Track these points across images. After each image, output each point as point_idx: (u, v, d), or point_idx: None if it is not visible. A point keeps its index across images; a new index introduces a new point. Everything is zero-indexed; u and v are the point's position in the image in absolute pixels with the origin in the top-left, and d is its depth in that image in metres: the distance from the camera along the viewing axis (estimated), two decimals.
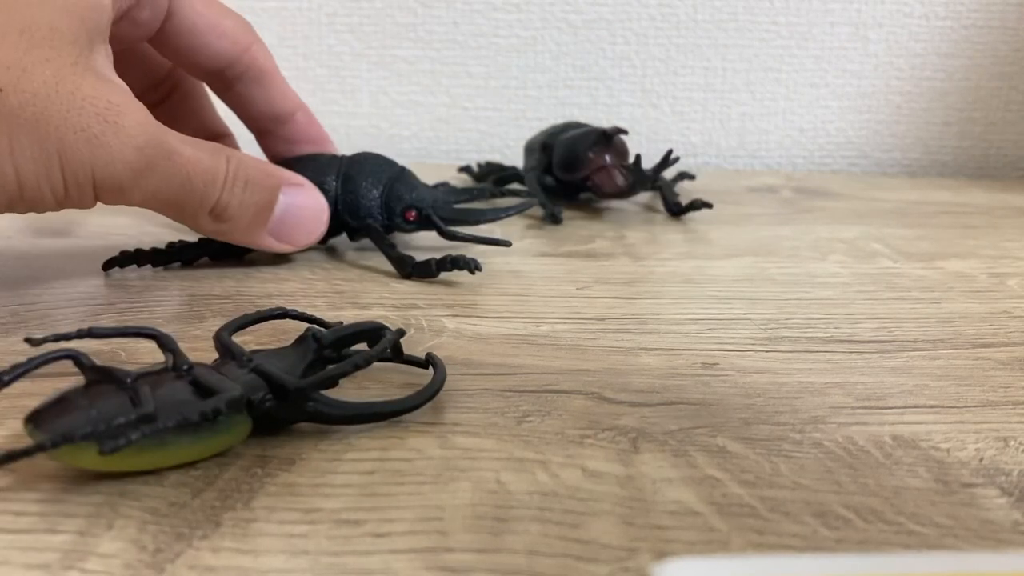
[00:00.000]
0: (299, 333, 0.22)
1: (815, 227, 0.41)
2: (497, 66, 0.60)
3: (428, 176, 0.48)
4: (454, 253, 0.31)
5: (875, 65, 0.60)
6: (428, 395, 0.20)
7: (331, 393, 0.20)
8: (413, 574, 0.15)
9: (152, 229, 0.37)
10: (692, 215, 0.42)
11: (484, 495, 0.17)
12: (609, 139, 0.42)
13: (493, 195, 0.37)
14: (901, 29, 0.59)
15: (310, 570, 0.15)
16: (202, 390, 0.18)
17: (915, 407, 0.21)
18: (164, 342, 0.20)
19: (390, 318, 0.27)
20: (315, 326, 0.22)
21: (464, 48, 0.60)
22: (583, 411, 0.21)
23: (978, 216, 0.45)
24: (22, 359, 0.18)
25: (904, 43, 0.60)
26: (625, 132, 0.42)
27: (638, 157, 0.40)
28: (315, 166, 0.33)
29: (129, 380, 0.18)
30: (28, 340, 0.19)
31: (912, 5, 0.59)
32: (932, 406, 0.22)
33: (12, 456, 0.16)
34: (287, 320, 0.24)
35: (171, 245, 0.32)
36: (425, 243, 0.36)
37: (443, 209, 0.33)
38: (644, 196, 0.47)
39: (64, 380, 0.20)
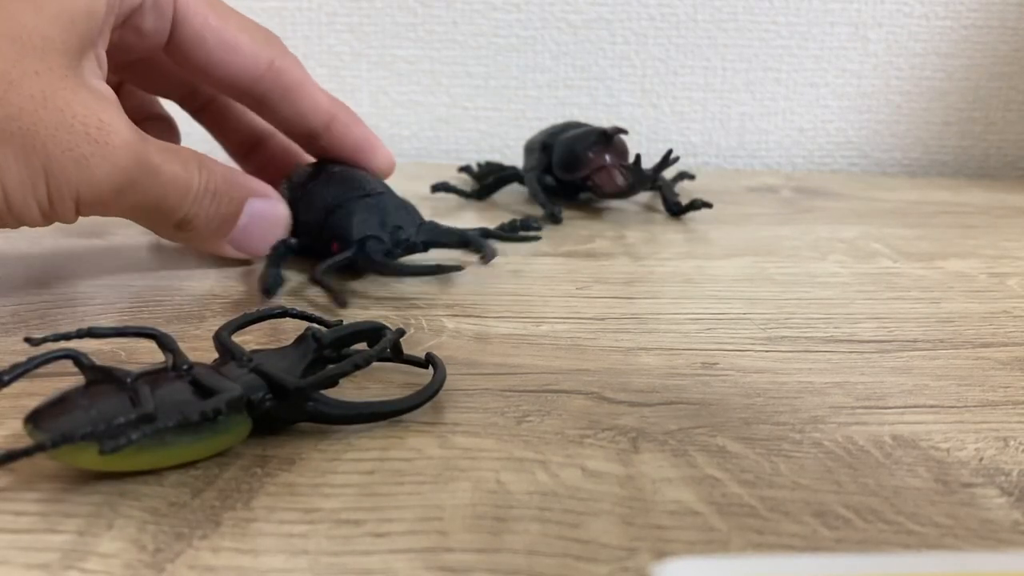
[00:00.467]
0: (299, 333, 0.22)
1: (815, 227, 0.41)
2: (497, 66, 0.60)
3: (428, 176, 0.48)
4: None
5: (875, 65, 0.60)
6: (428, 395, 0.20)
7: (331, 393, 0.20)
8: (413, 574, 0.15)
9: None
10: (692, 215, 0.42)
11: (484, 495, 0.17)
12: (609, 139, 0.42)
13: (466, 243, 0.32)
14: (901, 29, 0.59)
15: (310, 570, 0.15)
16: (202, 390, 0.18)
17: (915, 407, 0.21)
18: (164, 342, 0.20)
19: (390, 318, 0.27)
20: (315, 325, 0.22)
21: (464, 48, 0.60)
22: (583, 411, 0.21)
23: (978, 216, 0.45)
24: (22, 359, 0.18)
25: (904, 43, 0.60)
26: (625, 132, 0.42)
27: (638, 157, 0.40)
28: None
29: (129, 380, 0.18)
30: (28, 340, 0.19)
31: (912, 5, 0.59)
32: (932, 406, 0.22)
33: (12, 456, 0.16)
34: (287, 319, 0.24)
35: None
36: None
37: (375, 252, 0.30)
38: (644, 196, 0.47)
39: (64, 380, 0.20)
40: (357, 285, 0.30)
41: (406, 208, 0.32)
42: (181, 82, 0.34)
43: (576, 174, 0.42)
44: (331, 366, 0.20)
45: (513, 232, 0.35)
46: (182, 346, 0.20)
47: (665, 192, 0.43)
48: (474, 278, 0.31)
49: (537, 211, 0.43)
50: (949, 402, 0.22)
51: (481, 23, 0.59)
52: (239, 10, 0.32)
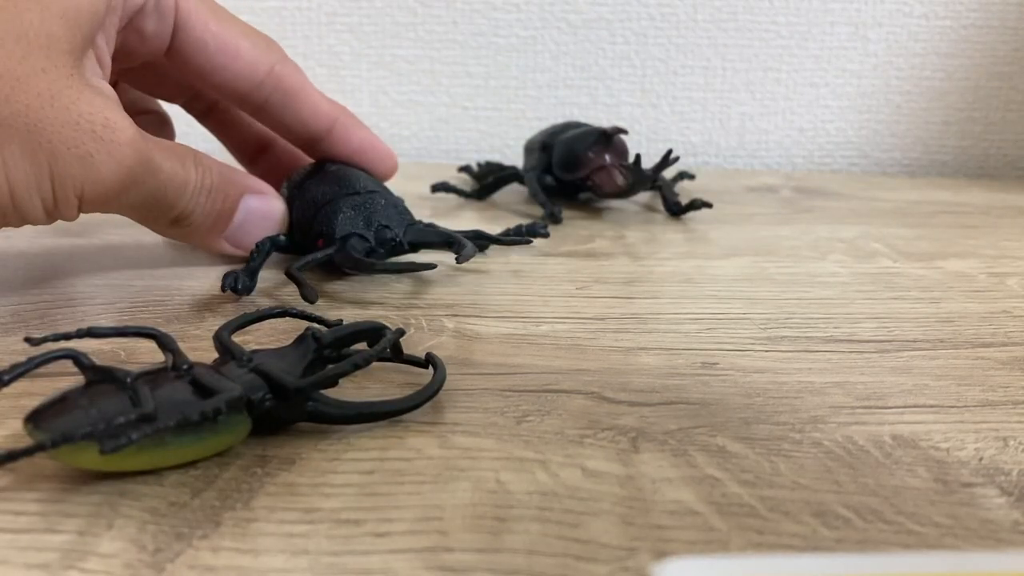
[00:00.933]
0: (299, 333, 0.22)
1: (815, 227, 0.41)
2: (497, 66, 0.60)
3: (428, 176, 0.48)
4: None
5: (875, 65, 0.60)
6: (428, 395, 0.20)
7: (331, 393, 0.20)
8: (413, 574, 0.15)
9: None
10: (692, 215, 0.42)
11: (484, 495, 0.17)
12: (609, 139, 0.42)
13: (450, 243, 0.31)
14: (901, 29, 0.59)
15: (310, 570, 0.15)
16: (202, 390, 0.18)
17: (915, 407, 0.21)
18: (164, 342, 0.20)
19: (390, 318, 0.27)
20: (315, 325, 0.22)
21: (464, 48, 0.60)
22: (583, 411, 0.21)
23: (978, 216, 0.45)
24: (22, 359, 0.18)
25: (904, 43, 0.60)
26: (625, 132, 0.42)
27: (638, 157, 0.40)
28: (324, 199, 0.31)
29: (129, 380, 0.18)
30: (28, 339, 0.19)
31: (912, 5, 0.59)
32: (932, 406, 0.22)
33: (12, 456, 0.16)
34: (287, 319, 0.24)
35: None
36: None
37: (353, 249, 0.30)
38: (644, 196, 0.47)
39: (64, 380, 0.20)
40: (357, 285, 0.30)
41: (396, 207, 0.32)
42: (184, 87, 0.34)
43: (576, 174, 0.42)
44: (331, 366, 0.20)
45: (519, 235, 0.35)
46: (182, 346, 0.20)
47: (665, 192, 0.43)
48: (474, 278, 0.31)
49: (537, 211, 0.43)
50: (949, 402, 0.22)
51: (481, 23, 0.59)
52: (240, 10, 0.32)
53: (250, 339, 0.24)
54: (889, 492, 0.18)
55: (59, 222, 0.25)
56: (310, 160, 0.35)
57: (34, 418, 0.17)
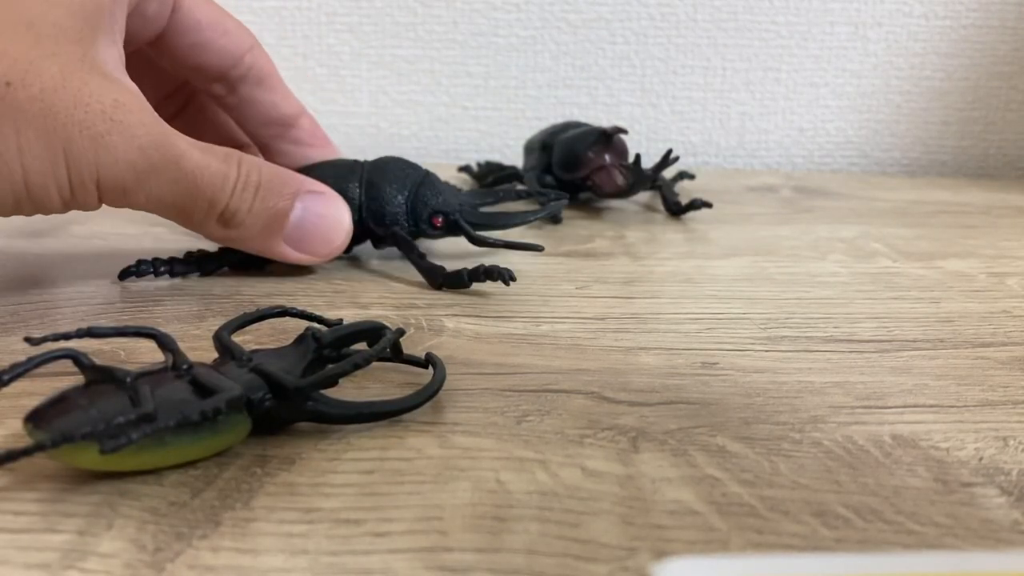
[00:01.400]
0: (299, 332, 0.22)
1: (815, 227, 0.41)
2: (496, 65, 0.60)
3: None
4: (485, 261, 0.30)
5: (874, 65, 0.60)
6: (428, 395, 0.20)
7: (331, 392, 0.20)
8: (413, 574, 0.15)
9: (154, 230, 0.37)
10: (692, 215, 0.42)
11: (484, 495, 0.17)
12: (609, 138, 0.42)
13: (519, 196, 0.36)
14: (900, 29, 0.59)
15: (309, 570, 0.15)
16: (202, 390, 0.18)
17: (915, 406, 0.21)
18: (164, 342, 0.20)
19: (390, 317, 0.27)
20: (315, 324, 0.22)
21: (464, 47, 0.60)
22: (582, 410, 0.21)
23: (977, 216, 0.45)
24: (22, 358, 0.18)
25: (903, 43, 0.60)
26: (625, 131, 0.42)
27: (638, 156, 0.40)
28: (335, 172, 0.32)
29: (129, 380, 0.18)
30: (28, 339, 0.19)
31: (912, 5, 0.59)
32: (932, 405, 0.22)
33: (12, 455, 0.16)
34: (287, 319, 0.24)
35: (190, 255, 0.31)
36: (449, 248, 0.35)
37: (470, 214, 0.32)
38: (644, 196, 0.47)
39: (64, 380, 0.20)
40: (357, 285, 0.30)
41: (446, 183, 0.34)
42: (158, 83, 0.33)
43: (576, 174, 0.42)
44: (331, 366, 0.20)
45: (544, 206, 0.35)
46: (182, 346, 0.20)
47: (665, 192, 0.43)
48: None
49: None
50: (949, 402, 0.22)
51: (481, 23, 0.59)
52: (240, 10, 0.33)
53: (250, 339, 0.24)
54: (889, 492, 0.18)
55: (61, 223, 0.25)
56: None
57: (34, 418, 0.17)
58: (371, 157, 0.34)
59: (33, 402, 0.17)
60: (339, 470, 0.18)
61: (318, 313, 0.24)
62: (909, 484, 0.18)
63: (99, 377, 0.18)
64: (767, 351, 0.25)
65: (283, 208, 0.28)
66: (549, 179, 0.44)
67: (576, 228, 0.40)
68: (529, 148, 0.47)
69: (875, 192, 0.51)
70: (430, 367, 0.22)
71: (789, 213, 0.44)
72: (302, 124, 0.34)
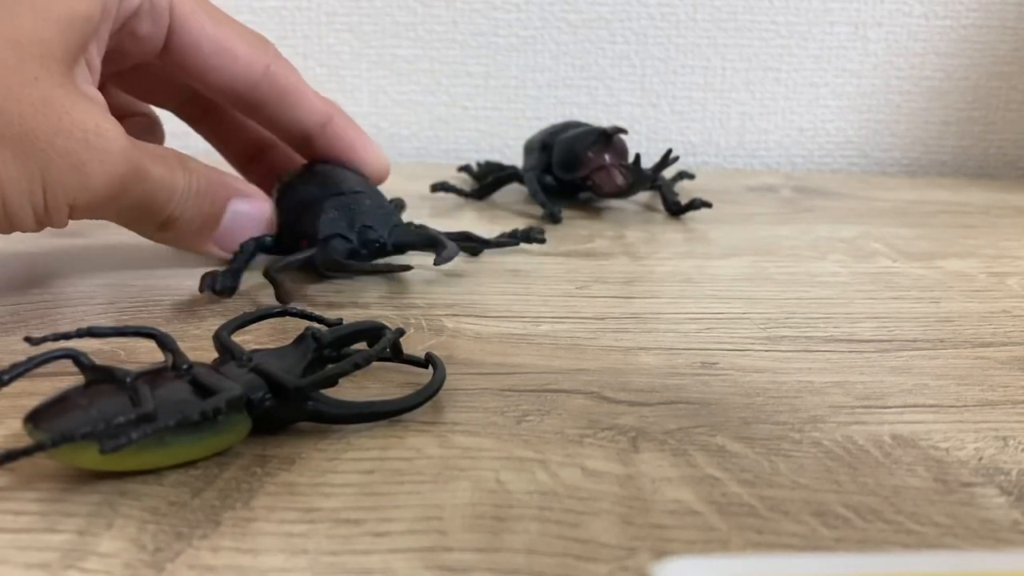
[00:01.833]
0: (299, 332, 0.22)
1: (814, 227, 0.41)
2: (496, 65, 0.60)
3: (428, 176, 0.48)
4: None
5: (874, 64, 0.60)
6: (428, 394, 0.20)
7: (331, 392, 0.20)
8: (412, 573, 0.15)
9: None
10: (691, 215, 0.42)
11: (483, 494, 0.17)
12: (609, 138, 0.42)
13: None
14: (900, 29, 0.59)
15: (309, 569, 0.15)
16: (202, 389, 0.18)
17: (914, 406, 0.21)
18: (164, 342, 0.20)
19: (390, 318, 0.27)
20: (315, 325, 0.22)
21: (463, 47, 0.60)
22: (582, 410, 0.21)
23: (977, 215, 0.45)
24: (22, 358, 0.18)
25: (903, 43, 0.60)
26: (625, 131, 0.42)
27: (637, 156, 0.40)
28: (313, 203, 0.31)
29: (129, 379, 0.18)
30: (28, 339, 0.19)
31: (911, 4, 0.59)
32: (931, 405, 0.22)
33: (12, 455, 0.16)
34: (287, 319, 0.24)
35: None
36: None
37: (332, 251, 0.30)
38: (643, 195, 0.47)
39: (64, 380, 0.20)
40: (357, 285, 0.30)
41: (382, 208, 0.32)
42: (175, 91, 0.33)
43: (576, 174, 0.42)
44: (331, 366, 0.20)
45: (513, 239, 0.35)
46: (182, 346, 0.20)
47: (665, 192, 0.43)
48: (474, 278, 0.31)
49: (537, 211, 0.43)
50: (948, 402, 0.22)
51: (481, 23, 0.59)
52: (239, 10, 0.32)
53: (250, 339, 0.24)
54: (889, 492, 0.18)
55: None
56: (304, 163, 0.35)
57: (34, 418, 0.17)
58: None
59: (33, 402, 0.17)
60: (339, 470, 0.18)
61: (318, 313, 0.24)
62: (909, 484, 0.18)
63: (99, 377, 0.18)
64: (767, 351, 0.25)
65: (216, 213, 0.29)
66: (549, 179, 0.44)
67: (576, 228, 0.40)
68: (529, 148, 0.47)
69: (875, 192, 0.51)
70: (430, 367, 0.22)
71: (789, 213, 0.44)
72: (328, 131, 0.33)
